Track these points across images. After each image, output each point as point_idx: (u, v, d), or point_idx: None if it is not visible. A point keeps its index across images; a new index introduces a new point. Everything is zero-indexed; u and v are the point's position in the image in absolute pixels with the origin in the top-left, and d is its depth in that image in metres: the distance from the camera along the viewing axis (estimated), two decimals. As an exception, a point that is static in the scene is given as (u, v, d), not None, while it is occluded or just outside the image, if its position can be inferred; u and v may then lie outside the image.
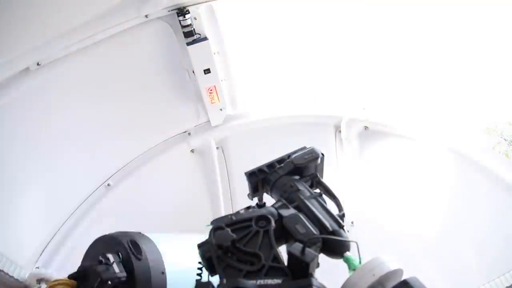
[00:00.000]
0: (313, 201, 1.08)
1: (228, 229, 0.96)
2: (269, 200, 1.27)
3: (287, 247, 0.90)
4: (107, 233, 2.81)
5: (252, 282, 0.83)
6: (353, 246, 0.95)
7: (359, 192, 3.02)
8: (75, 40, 2.32)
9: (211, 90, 2.91)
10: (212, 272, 0.95)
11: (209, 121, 3.12)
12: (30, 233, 2.43)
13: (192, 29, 2.61)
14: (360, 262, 0.89)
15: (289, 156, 1.28)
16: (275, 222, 0.99)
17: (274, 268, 0.87)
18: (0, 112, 2.15)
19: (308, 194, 1.11)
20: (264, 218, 0.99)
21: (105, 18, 2.33)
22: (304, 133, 2.99)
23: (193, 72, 2.83)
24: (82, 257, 1.42)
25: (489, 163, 2.37)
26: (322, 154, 1.27)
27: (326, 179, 1.26)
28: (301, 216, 1.01)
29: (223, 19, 2.75)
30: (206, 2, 2.59)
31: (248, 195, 1.34)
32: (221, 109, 3.04)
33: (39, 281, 2.34)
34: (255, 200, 1.44)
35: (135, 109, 2.84)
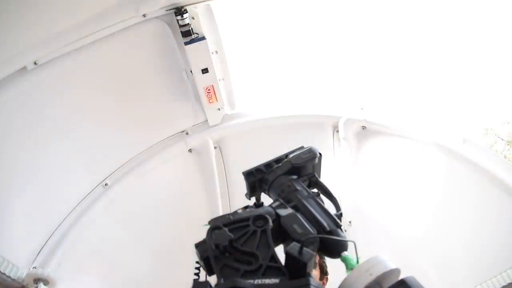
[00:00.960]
0: (311, 200, 1.08)
1: (226, 229, 0.96)
2: (266, 199, 1.28)
3: (285, 247, 0.90)
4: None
5: (249, 281, 0.83)
6: (350, 246, 0.95)
7: (357, 191, 3.03)
8: (73, 39, 2.31)
9: (209, 89, 2.91)
10: (209, 272, 0.95)
11: (207, 120, 3.12)
12: (27, 233, 2.42)
13: (190, 28, 2.61)
14: (357, 262, 0.89)
15: (286, 155, 1.27)
16: (273, 221, 0.99)
17: (272, 267, 0.87)
18: (-3, 111, 2.15)
19: (305, 193, 1.11)
20: (261, 217, 0.99)
21: (102, 18, 2.33)
22: (302, 132, 3.00)
23: (191, 71, 2.82)
24: None
25: (487, 163, 2.37)
26: (320, 154, 1.27)
27: (324, 178, 1.26)
28: (299, 216, 1.01)
29: (221, 18, 2.75)
30: (204, 1, 2.59)
31: (245, 194, 1.34)
32: (218, 109, 3.04)
33: (36, 281, 2.33)
34: (253, 199, 1.44)
35: (132, 108, 2.84)
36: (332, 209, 1.08)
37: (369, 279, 0.81)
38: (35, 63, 2.22)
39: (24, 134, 2.33)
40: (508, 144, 13.08)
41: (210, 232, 0.95)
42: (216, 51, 2.85)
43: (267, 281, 0.84)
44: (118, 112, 2.79)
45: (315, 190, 1.21)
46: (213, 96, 2.93)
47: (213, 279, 0.92)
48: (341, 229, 1.00)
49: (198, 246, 0.96)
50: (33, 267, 2.38)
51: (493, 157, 2.43)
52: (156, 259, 2.96)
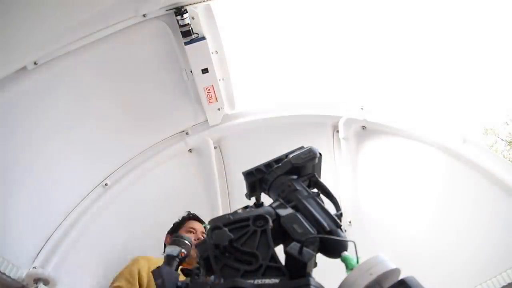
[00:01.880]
0: (311, 200, 1.08)
1: (226, 229, 0.96)
2: (266, 199, 1.28)
3: (285, 247, 0.91)
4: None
5: (249, 281, 0.83)
6: (350, 246, 0.95)
7: (357, 191, 3.03)
8: (73, 39, 2.31)
9: (209, 89, 2.91)
10: (209, 272, 0.95)
11: (207, 120, 3.12)
12: (27, 233, 2.42)
13: (190, 28, 2.61)
14: (357, 262, 0.89)
15: (286, 155, 1.28)
16: (273, 221, 0.99)
17: (272, 267, 0.87)
18: (-3, 111, 2.15)
19: (305, 193, 1.11)
20: (261, 217, 0.99)
21: (102, 18, 2.32)
22: (302, 132, 3.00)
23: (191, 71, 2.82)
24: None
25: (487, 163, 2.37)
26: (320, 154, 1.27)
27: (324, 178, 1.26)
28: (299, 216, 1.01)
29: (221, 18, 2.75)
30: (203, 1, 2.59)
31: (245, 194, 1.34)
32: (219, 109, 3.04)
33: (36, 281, 2.33)
34: (253, 199, 1.44)
35: (132, 108, 2.84)
36: (332, 209, 1.08)
37: (369, 279, 0.81)
38: (35, 63, 2.22)
39: (24, 134, 2.33)
40: (508, 144, 13.08)
41: (210, 232, 0.95)
42: (216, 51, 2.85)
43: (267, 281, 0.84)
44: (118, 112, 2.79)
45: (315, 190, 1.21)
46: (213, 96, 2.93)
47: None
48: (341, 229, 1.00)
49: (198, 246, 0.96)
50: (33, 267, 2.38)
51: (493, 157, 2.43)
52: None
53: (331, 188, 1.20)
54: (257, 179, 1.27)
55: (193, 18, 2.61)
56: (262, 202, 1.31)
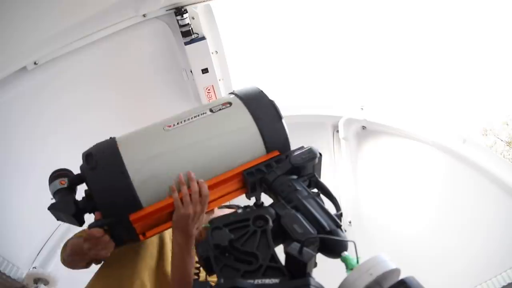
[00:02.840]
0: (311, 200, 1.08)
1: (226, 229, 0.96)
2: (267, 199, 1.28)
3: (285, 247, 0.91)
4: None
5: (249, 281, 0.83)
6: (350, 246, 0.95)
7: (357, 191, 3.03)
8: (73, 39, 2.31)
9: (209, 89, 2.91)
10: (209, 272, 0.95)
11: (207, 120, 3.12)
12: (27, 233, 2.43)
13: (190, 28, 2.61)
14: (357, 262, 0.89)
15: (286, 155, 1.28)
16: (273, 221, 1.00)
17: (272, 267, 0.88)
18: (-3, 111, 2.15)
19: (305, 193, 1.11)
20: (261, 217, 0.99)
21: (102, 17, 2.33)
22: (302, 133, 2.98)
23: (191, 71, 2.83)
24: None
25: (487, 163, 2.37)
26: (320, 154, 1.27)
27: (324, 178, 1.26)
28: (299, 216, 1.01)
29: (221, 18, 2.75)
30: (203, 1, 2.59)
31: (245, 194, 1.35)
32: (219, 109, 3.04)
33: (36, 281, 2.33)
34: (253, 199, 1.44)
35: (133, 108, 2.84)
36: (332, 209, 1.08)
37: (369, 279, 0.81)
38: (35, 63, 2.22)
39: (24, 134, 2.34)
40: (507, 145, 13.08)
41: (211, 232, 0.96)
42: (216, 51, 2.85)
43: (267, 281, 0.84)
44: (118, 112, 2.79)
45: (315, 190, 1.21)
46: (213, 96, 2.94)
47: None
48: (341, 229, 1.00)
49: (198, 245, 0.96)
50: (33, 267, 2.38)
51: (493, 157, 2.43)
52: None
53: (331, 188, 1.20)
54: (257, 179, 1.27)
55: (193, 18, 2.61)
56: (262, 202, 1.31)
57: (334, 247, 0.95)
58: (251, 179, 1.26)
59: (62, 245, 2.54)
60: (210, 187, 1.24)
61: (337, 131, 3.01)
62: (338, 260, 0.93)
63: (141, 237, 1.25)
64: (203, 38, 2.69)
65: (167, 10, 2.56)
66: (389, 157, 2.92)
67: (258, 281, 0.83)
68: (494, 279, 2.21)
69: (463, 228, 2.44)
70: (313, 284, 0.82)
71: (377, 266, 0.82)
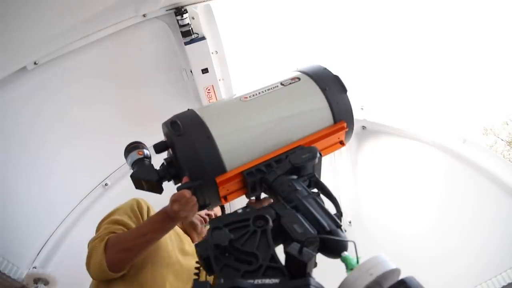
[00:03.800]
0: (311, 200, 1.08)
1: (226, 229, 0.96)
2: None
3: (285, 247, 0.91)
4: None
5: (249, 281, 0.83)
6: (350, 246, 0.95)
7: (357, 191, 3.03)
8: (72, 40, 2.31)
9: (209, 89, 2.91)
10: (210, 272, 0.95)
11: (207, 120, 3.11)
12: (27, 233, 2.43)
13: (190, 28, 2.61)
14: (357, 262, 0.89)
15: (286, 156, 1.28)
16: (273, 221, 1.00)
17: (272, 268, 0.88)
18: (-3, 111, 2.15)
19: (305, 193, 1.11)
20: (261, 217, 0.99)
21: (102, 17, 2.33)
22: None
23: (191, 71, 2.83)
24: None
25: (487, 163, 2.37)
26: (320, 154, 1.27)
27: (324, 178, 1.26)
28: (299, 216, 1.01)
29: (221, 18, 2.75)
30: (203, 1, 2.59)
31: (245, 194, 1.35)
32: (219, 109, 3.04)
33: (36, 281, 2.33)
34: (253, 199, 1.44)
35: (132, 108, 2.84)
36: (332, 209, 1.08)
37: (369, 279, 0.81)
38: (35, 63, 2.22)
39: (24, 134, 2.34)
40: (508, 144, 13.08)
41: (211, 232, 0.96)
42: (216, 51, 2.85)
43: (267, 281, 0.84)
44: (118, 112, 2.79)
45: (315, 190, 1.21)
46: (213, 96, 2.93)
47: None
48: (341, 229, 1.00)
49: (198, 246, 0.96)
50: (33, 267, 2.38)
51: (493, 157, 2.43)
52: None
53: (331, 188, 1.20)
54: (257, 179, 1.27)
55: (193, 18, 2.61)
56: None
57: (334, 247, 0.95)
58: (251, 179, 1.26)
59: (62, 244, 2.56)
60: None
61: (337, 131, 3.01)
62: (338, 260, 0.93)
63: (223, 200, 1.31)
64: (203, 38, 2.69)
65: (167, 10, 2.56)
66: (389, 157, 2.92)
67: (258, 281, 0.83)
68: (494, 279, 2.21)
69: (463, 228, 2.44)
70: (313, 284, 0.82)
71: (377, 266, 0.82)
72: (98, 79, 2.60)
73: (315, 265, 0.90)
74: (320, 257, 0.93)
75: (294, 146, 1.32)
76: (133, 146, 1.43)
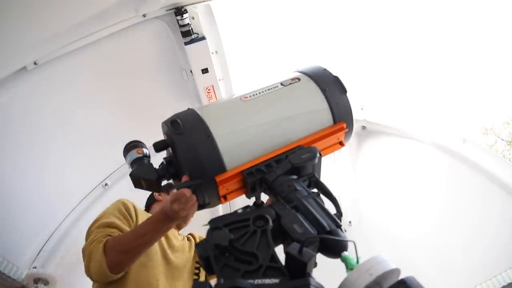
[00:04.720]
0: (311, 200, 1.08)
1: (226, 229, 0.96)
2: (266, 199, 1.28)
3: (285, 247, 0.91)
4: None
5: (249, 281, 0.83)
6: (350, 246, 0.95)
7: (357, 191, 3.03)
8: (73, 39, 2.31)
9: (209, 89, 2.91)
10: (210, 272, 0.95)
11: (207, 120, 3.11)
12: (27, 233, 2.42)
13: (190, 28, 2.61)
14: (357, 262, 0.89)
15: (286, 155, 1.28)
16: (273, 221, 0.99)
17: (272, 268, 0.87)
18: (-3, 111, 2.15)
19: (305, 193, 1.11)
20: (261, 217, 0.99)
21: (102, 17, 2.32)
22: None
23: (191, 71, 2.83)
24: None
25: (487, 163, 2.37)
26: (320, 154, 1.27)
27: (324, 178, 1.26)
28: (299, 216, 1.01)
29: (221, 18, 2.75)
30: (203, 1, 2.59)
31: (245, 194, 1.35)
32: (219, 109, 3.04)
33: (36, 281, 2.33)
34: (253, 199, 1.44)
35: (132, 108, 2.84)
36: (332, 209, 1.08)
37: (369, 279, 0.81)
38: (35, 63, 2.22)
39: (24, 134, 2.33)
40: (508, 144, 13.08)
41: (211, 232, 0.96)
42: (216, 51, 2.85)
43: (267, 281, 0.84)
44: (118, 112, 2.79)
45: (315, 190, 1.21)
46: (213, 96, 2.93)
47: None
48: (341, 229, 1.00)
49: (198, 246, 0.96)
50: (33, 267, 2.38)
51: (493, 157, 2.43)
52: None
53: (331, 188, 1.20)
54: (257, 179, 1.27)
55: (193, 18, 2.61)
56: (262, 202, 1.31)
57: (334, 247, 0.95)
58: (251, 179, 1.26)
59: (62, 244, 2.55)
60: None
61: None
62: (338, 260, 0.93)
63: (222, 200, 1.31)
64: (203, 38, 2.69)
65: (167, 10, 2.56)
66: (389, 157, 2.92)
67: (258, 281, 0.83)
68: (494, 279, 2.21)
69: (462, 228, 2.44)
70: (313, 284, 0.82)
71: (377, 266, 0.82)
72: (98, 79, 2.60)
73: (315, 265, 0.90)
74: (320, 257, 0.93)
75: (294, 146, 1.32)
76: (132, 145, 1.43)
